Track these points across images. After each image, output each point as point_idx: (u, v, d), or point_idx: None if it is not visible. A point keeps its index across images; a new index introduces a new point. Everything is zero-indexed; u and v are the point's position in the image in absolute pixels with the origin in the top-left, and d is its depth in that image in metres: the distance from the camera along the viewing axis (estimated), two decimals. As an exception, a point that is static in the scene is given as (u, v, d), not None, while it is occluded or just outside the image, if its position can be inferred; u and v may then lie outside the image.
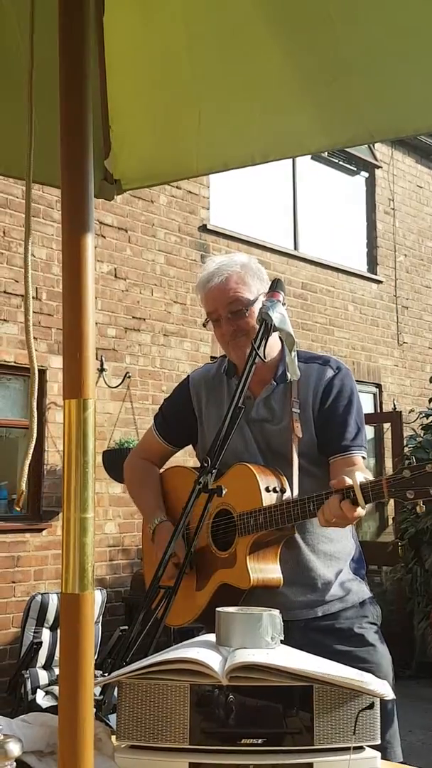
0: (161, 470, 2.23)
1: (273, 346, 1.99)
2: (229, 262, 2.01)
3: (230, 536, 1.91)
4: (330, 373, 1.99)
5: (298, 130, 1.71)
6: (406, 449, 7.36)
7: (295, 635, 1.83)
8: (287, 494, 1.87)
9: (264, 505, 1.83)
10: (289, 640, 1.78)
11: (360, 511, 1.69)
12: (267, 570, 1.86)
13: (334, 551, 1.97)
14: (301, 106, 1.65)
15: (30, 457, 1.10)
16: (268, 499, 1.84)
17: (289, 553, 1.91)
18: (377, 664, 1.89)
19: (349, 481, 1.68)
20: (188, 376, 2.20)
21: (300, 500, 1.79)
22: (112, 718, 1.24)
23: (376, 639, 1.95)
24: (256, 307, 1.90)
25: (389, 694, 1.17)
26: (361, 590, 2.00)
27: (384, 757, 1.75)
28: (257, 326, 1.82)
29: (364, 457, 1.94)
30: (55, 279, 5.97)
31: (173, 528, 1.86)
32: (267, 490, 1.85)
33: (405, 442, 7.50)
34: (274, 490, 1.86)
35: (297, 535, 1.91)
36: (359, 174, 9.21)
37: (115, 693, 1.21)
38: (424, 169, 9.98)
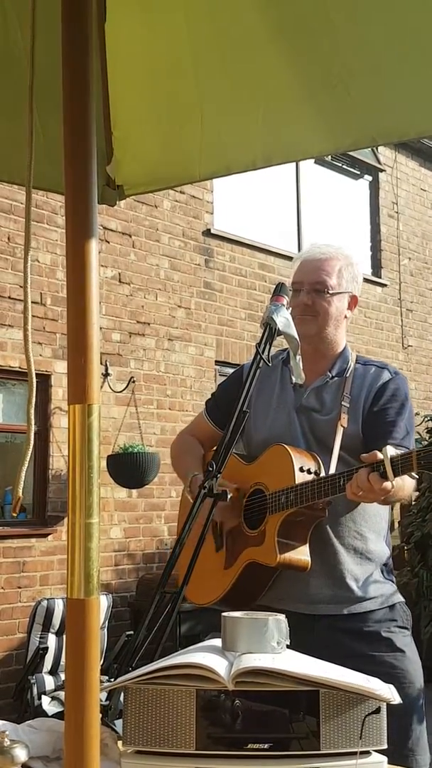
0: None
1: (338, 341, 2.04)
2: (338, 249, 2.05)
3: (262, 514, 1.91)
4: (387, 375, 2.01)
5: (300, 134, 1.71)
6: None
7: (321, 634, 1.86)
8: (321, 477, 1.87)
9: (296, 483, 1.83)
10: (315, 637, 1.80)
11: (387, 485, 1.68)
12: (295, 550, 1.85)
13: (365, 550, 1.95)
14: (304, 110, 1.65)
15: (26, 463, 1.10)
16: (301, 478, 1.84)
17: (319, 544, 1.89)
18: (404, 671, 1.87)
19: (380, 455, 1.68)
20: (242, 365, 2.21)
21: (331, 476, 1.80)
22: (119, 724, 1.24)
23: (406, 644, 1.92)
24: (336, 300, 1.98)
25: (396, 699, 1.17)
26: (392, 593, 1.98)
27: (407, 765, 1.74)
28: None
29: None
30: (59, 284, 5.99)
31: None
32: (301, 470, 1.86)
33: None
34: (308, 472, 1.86)
35: (328, 527, 1.91)
36: (363, 177, 9.22)
37: (121, 698, 1.21)
38: (428, 172, 9.98)
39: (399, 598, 1.99)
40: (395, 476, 1.67)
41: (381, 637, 1.90)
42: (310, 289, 1.99)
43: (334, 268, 2.00)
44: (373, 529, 1.97)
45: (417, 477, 1.83)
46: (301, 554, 1.86)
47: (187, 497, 2.12)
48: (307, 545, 1.87)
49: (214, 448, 2.20)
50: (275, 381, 2.07)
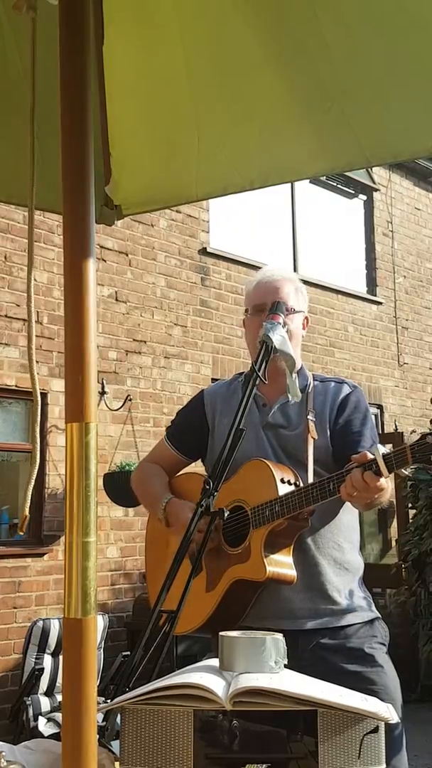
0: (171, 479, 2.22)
1: (298, 359, 2.05)
2: (289, 273, 2.19)
3: (243, 531, 1.90)
4: (347, 389, 2.08)
5: (296, 154, 1.73)
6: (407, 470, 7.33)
7: (305, 651, 1.85)
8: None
9: (280, 494, 1.84)
10: (298, 654, 1.72)
11: (383, 482, 1.72)
12: (282, 563, 1.86)
13: (343, 561, 1.97)
14: (300, 131, 1.67)
15: (33, 481, 1.10)
16: (284, 489, 1.86)
17: (299, 555, 1.90)
18: (385, 686, 1.87)
19: (371, 455, 1.72)
20: (202, 390, 2.25)
21: (319, 481, 1.82)
22: (116, 744, 1.23)
23: (386, 660, 1.93)
24: (296, 318, 2.06)
25: (394, 718, 1.16)
26: (371, 608, 1.99)
27: (391, 783, 1.74)
28: (259, 347, 1.84)
29: None
30: (56, 303, 6.00)
31: (184, 501, 1.95)
32: (282, 481, 1.87)
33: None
34: (289, 483, 1.88)
35: (308, 539, 1.92)
36: (357, 197, 9.28)
37: (119, 719, 1.20)
38: (422, 191, 10.06)
39: (377, 614, 2.00)
40: (390, 472, 1.71)
41: (364, 653, 1.90)
42: None
43: (291, 289, 2.08)
44: (347, 539, 2.00)
45: (407, 474, 1.85)
46: (288, 567, 1.86)
47: (155, 524, 2.11)
48: (291, 557, 1.88)
49: (180, 473, 2.20)
50: (237, 403, 2.04)
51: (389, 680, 1.90)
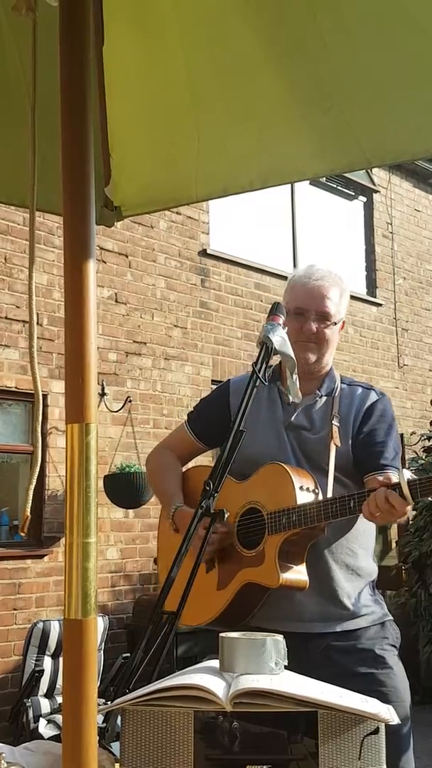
0: (184, 469, 2.21)
1: (329, 363, 2.07)
2: (336, 277, 2.08)
3: (258, 534, 1.89)
4: (374, 396, 2.05)
5: (296, 155, 1.73)
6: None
7: (314, 653, 1.85)
8: (320, 496, 1.87)
9: (298, 503, 1.82)
10: (308, 656, 1.80)
11: (409, 508, 1.71)
12: (295, 570, 1.84)
13: (357, 567, 1.96)
14: (300, 132, 1.67)
15: (34, 482, 1.10)
16: (303, 498, 1.83)
17: (312, 560, 1.88)
18: (395, 688, 1.87)
19: (395, 478, 1.71)
20: (229, 380, 2.20)
21: (339, 497, 1.79)
22: (116, 746, 1.23)
23: (396, 662, 1.93)
24: (336, 328, 2.04)
25: (394, 719, 1.16)
26: (382, 610, 1.99)
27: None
28: (261, 352, 1.84)
29: None
30: (56, 304, 6.00)
31: (190, 511, 1.87)
32: (301, 489, 1.84)
33: (407, 464, 7.48)
34: (308, 491, 1.85)
35: (322, 545, 1.91)
36: (357, 198, 9.29)
37: (119, 720, 1.20)
38: (422, 193, 10.06)
39: (388, 615, 2.00)
40: (413, 499, 1.68)
41: (375, 654, 1.90)
42: (315, 317, 2.01)
43: (336, 297, 2.03)
44: (362, 546, 1.99)
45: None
46: (300, 574, 1.85)
47: (166, 524, 2.09)
48: (305, 564, 1.86)
49: (195, 465, 2.20)
50: (261, 397, 2.05)
51: (399, 682, 1.90)
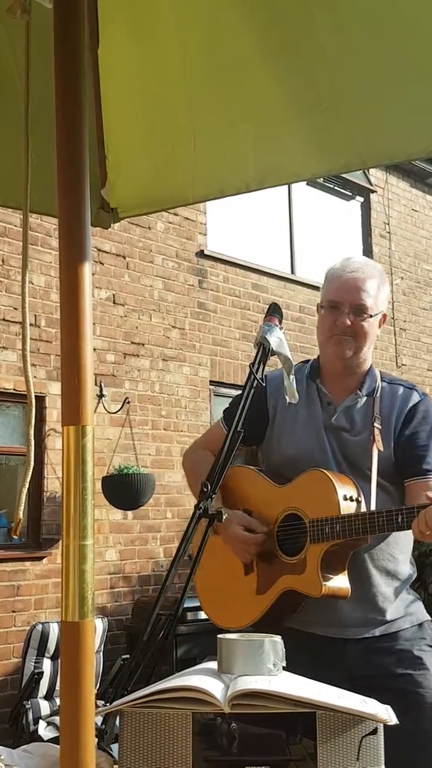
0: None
1: (368, 359, 2.01)
2: (373, 268, 2.02)
3: (299, 541, 1.86)
4: (416, 397, 1.99)
5: (292, 156, 1.73)
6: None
7: (353, 655, 1.85)
8: (363, 504, 1.84)
9: (342, 513, 1.78)
10: (346, 659, 1.83)
11: None
12: (337, 579, 1.82)
13: (396, 571, 1.94)
14: (296, 133, 1.67)
15: (27, 485, 1.10)
16: (346, 508, 1.80)
17: (352, 567, 1.85)
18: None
19: None
20: (265, 374, 2.07)
21: (387, 511, 1.75)
22: (115, 748, 1.23)
23: None
24: (374, 321, 1.96)
25: (393, 720, 1.16)
26: (420, 611, 1.97)
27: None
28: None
29: None
30: (53, 306, 6.00)
31: (233, 512, 1.89)
32: (345, 498, 1.81)
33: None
34: (351, 499, 1.82)
35: (361, 551, 1.88)
36: (354, 199, 9.29)
37: (117, 722, 1.20)
38: (419, 192, 10.07)
39: (427, 616, 1.97)
40: None
41: (413, 655, 1.88)
42: (350, 310, 1.94)
43: (372, 289, 1.96)
44: (402, 550, 1.96)
45: None
46: (343, 583, 1.82)
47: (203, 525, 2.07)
48: (347, 573, 1.84)
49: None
50: (301, 394, 1.98)
51: None
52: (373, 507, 1.84)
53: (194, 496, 2.17)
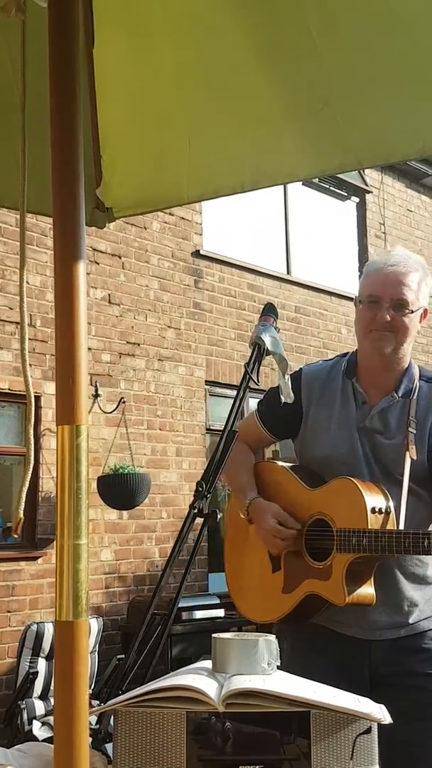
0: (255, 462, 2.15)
1: (407, 355, 1.95)
2: (416, 261, 1.95)
3: (325, 547, 1.85)
4: None
5: (287, 157, 1.73)
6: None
7: (379, 654, 1.86)
8: (392, 515, 1.81)
9: (369, 527, 1.77)
10: (372, 659, 1.85)
11: None
12: (362, 589, 1.81)
13: (424, 575, 1.92)
14: (291, 133, 1.67)
15: (27, 484, 1.10)
16: (374, 521, 1.78)
17: (379, 572, 1.85)
18: None
19: None
20: (301, 368, 2.09)
21: (414, 533, 1.72)
22: (109, 747, 1.23)
23: None
24: (414, 317, 1.89)
25: (386, 719, 1.16)
26: None
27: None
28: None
29: None
30: (49, 306, 5.99)
31: (268, 504, 1.93)
32: (373, 511, 1.79)
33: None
34: (380, 512, 1.79)
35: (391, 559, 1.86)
36: (350, 199, 9.30)
37: (111, 722, 1.20)
38: (414, 193, 10.08)
39: None
40: None
41: None
42: (390, 305, 1.88)
43: (414, 283, 1.90)
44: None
45: None
46: (367, 592, 1.82)
47: (237, 515, 2.06)
48: (373, 582, 1.83)
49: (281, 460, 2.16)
50: (336, 392, 1.98)
51: None
52: (402, 514, 1.82)
53: (230, 488, 2.14)
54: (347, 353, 2.06)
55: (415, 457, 1.85)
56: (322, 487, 1.91)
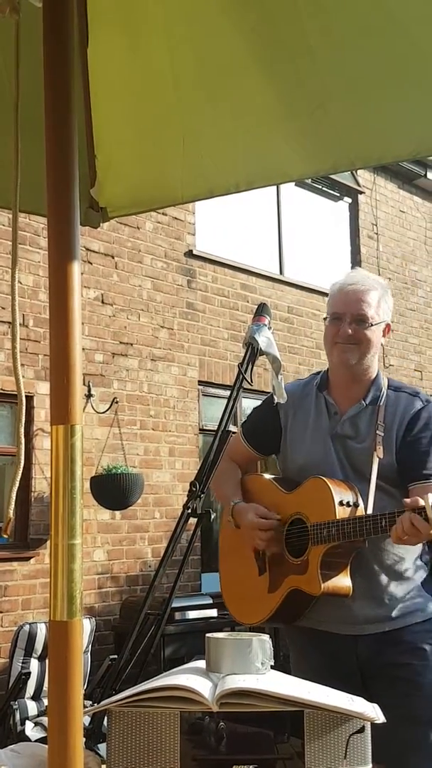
0: (243, 475, 2.31)
1: (373, 367, 2.10)
2: (375, 281, 2.14)
3: (303, 544, 1.98)
4: (419, 404, 2.06)
5: (281, 157, 1.73)
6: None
7: (364, 648, 1.97)
8: (360, 508, 1.94)
9: (338, 518, 1.90)
10: (357, 652, 1.96)
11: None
12: (337, 578, 1.93)
13: (404, 571, 2.02)
14: (285, 134, 1.68)
15: (17, 484, 1.10)
16: (342, 512, 1.91)
17: (360, 568, 1.96)
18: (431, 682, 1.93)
19: (422, 501, 1.75)
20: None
21: (372, 516, 1.87)
22: (102, 747, 1.23)
23: None
24: (376, 330, 2.06)
25: (380, 718, 1.17)
26: (430, 608, 2.03)
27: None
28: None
29: None
30: (42, 305, 5.98)
31: (249, 504, 2.09)
32: (341, 504, 1.93)
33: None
34: (348, 504, 1.93)
35: (369, 553, 1.97)
36: (342, 199, 9.32)
37: (105, 722, 1.20)
38: (406, 194, 10.11)
39: None
40: None
41: (417, 647, 1.96)
42: (351, 320, 2.04)
43: (374, 300, 2.06)
44: (409, 551, 2.02)
45: None
46: (343, 582, 1.93)
47: (227, 524, 2.21)
48: (348, 571, 1.94)
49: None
50: (310, 406, 2.14)
51: None
52: (370, 508, 1.93)
53: (219, 501, 2.32)
54: (320, 371, 2.23)
55: (381, 456, 1.99)
56: (297, 489, 2.06)
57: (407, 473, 1.98)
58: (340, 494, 1.94)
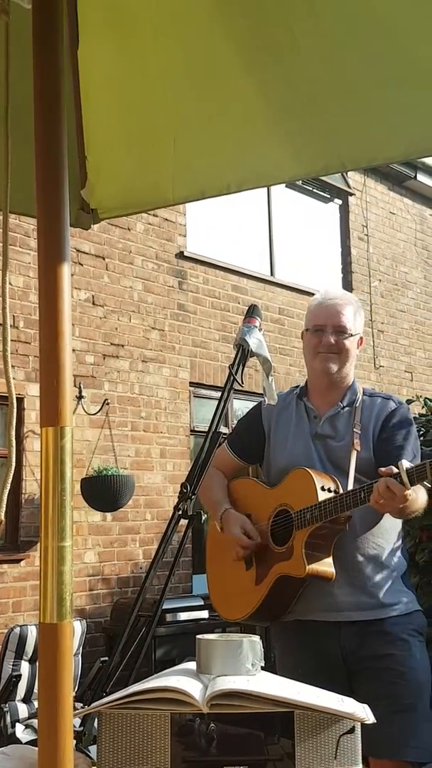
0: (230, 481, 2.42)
1: (350, 375, 2.26)
2: (350, 296, 2.35)
3: (288, 532, 2.08)
4: (392, 405, 2.23)
5: (272, 159, 1.74)
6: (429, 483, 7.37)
7: (347, 637, 2.06)
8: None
9: (319, 501, 2.01)
10: (342, 640, 2.05)
11: (408, 492, 1.87)
12: (321, 561, 2.02)
13: (383, 560, 2.11)
14: (275, 135, 1.68)
15: (8, 486, 1.09)
16: (323, 496, 2.02)
17: (341, 555, 2.06)
18: (411, 669, 2.01)
19: (395, 469, 1.87)
20: (259, 402, 2.36)
21: (351, 491, 1.99)
22: (93, 749, 1.23)
23: (420, 648, 2.08)
24: (353, 340, 2.22)
25: (370, 718, 1.17)
26: (412, 602, 2.13)
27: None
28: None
29: None
30: (32, 307, 5.97)
31: (238, 515, 2.21)
32: (323, 489, 2.04)
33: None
34: (329, 490, 2.04)
35: (350, 541, 2.08)
36: (333, 201, 9.34)
37: (95, 724, 1.19)
38: (397, 195, 10.14)
39: (417, 606, 2.14)
40: (411, 485, 1.85)
41: (399, 638, 2.05)
42: (332, 331, 2.20)
43: (351, 313, 2.23)
44: (388, 541, 2.13)
45: (430, 486, 2.01)
46: (327, 565, 2.03)
47: (215, 529, 2.30)
48: (331, 557, 2.04)
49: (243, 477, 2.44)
50: (291, 414, 2.28)
51: (417, 663, 2.04)
52: None
53: (208, 509, 2.40)
54: (298, 385, 2.37)
55: (359, 449, 2.13)
56: (281, 483, 2.18)
57: (384, 466, 2.04)
58: (322, 481, 2.05)
